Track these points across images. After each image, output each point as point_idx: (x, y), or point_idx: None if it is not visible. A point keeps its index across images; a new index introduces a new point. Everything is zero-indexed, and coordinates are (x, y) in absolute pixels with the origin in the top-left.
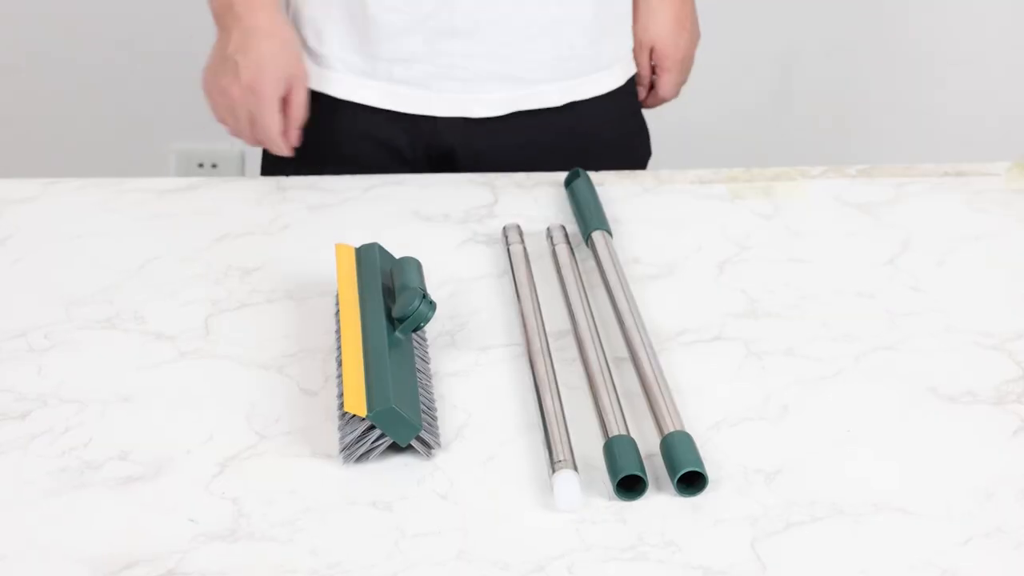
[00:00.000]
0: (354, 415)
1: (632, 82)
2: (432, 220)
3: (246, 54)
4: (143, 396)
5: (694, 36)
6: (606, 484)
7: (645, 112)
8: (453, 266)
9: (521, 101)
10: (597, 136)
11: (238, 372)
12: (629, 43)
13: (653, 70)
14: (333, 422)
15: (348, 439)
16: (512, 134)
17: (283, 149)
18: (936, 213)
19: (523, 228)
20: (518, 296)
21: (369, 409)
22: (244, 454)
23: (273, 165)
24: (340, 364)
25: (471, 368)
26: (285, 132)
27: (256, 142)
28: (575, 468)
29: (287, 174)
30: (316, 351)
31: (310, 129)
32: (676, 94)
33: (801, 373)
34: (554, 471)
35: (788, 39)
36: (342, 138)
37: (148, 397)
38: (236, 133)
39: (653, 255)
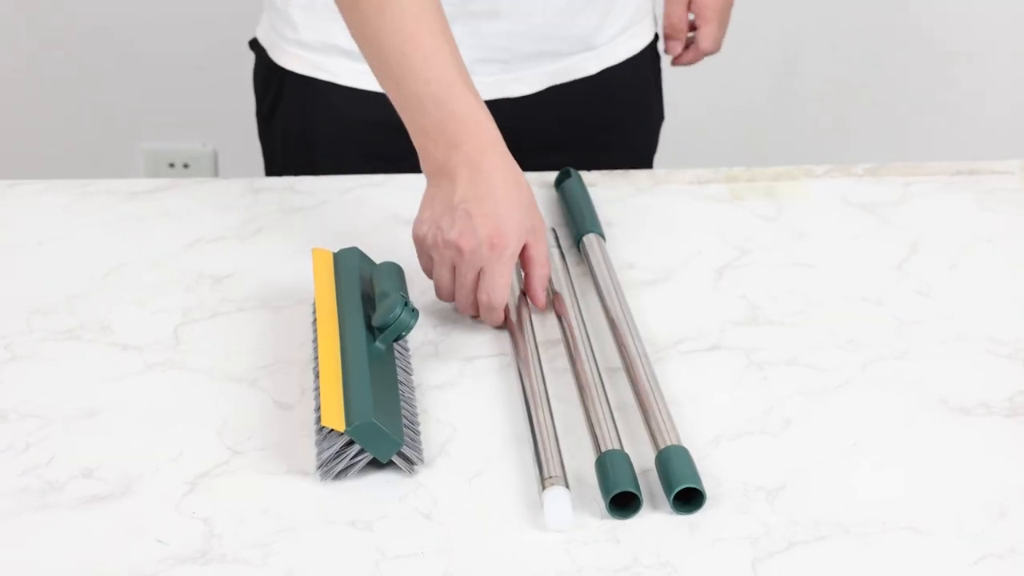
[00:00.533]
0: (332, 430)
1: (655, 39)
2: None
3: (481, 204)
4: (109, 411)
5: None
6: (599, 501)
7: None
8: None
9: (558, 74)
10: (625, 99)
11: (209, 385)
12: None
13: (691, 25)
14: (310, 437)
15: (326, 455)
16: (546, 107)
17: (501, 316)
18: (946, 214)
19: None
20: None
21: (348, 423)
22: (216, 471)
23: (284, 165)
24: (317, 376)
25: (456, 379)
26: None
27: (471, 306)
28: (566, 485)
29: (314, 174)
30: (292, 362)
31: (348, 126)
32: (718, 47)
33: (805, 383)
34: (544, 488)
35: (791, 33)
36: (379, 134)
37: (114, 412)
38: (449, 290)
39: (649, 259)
